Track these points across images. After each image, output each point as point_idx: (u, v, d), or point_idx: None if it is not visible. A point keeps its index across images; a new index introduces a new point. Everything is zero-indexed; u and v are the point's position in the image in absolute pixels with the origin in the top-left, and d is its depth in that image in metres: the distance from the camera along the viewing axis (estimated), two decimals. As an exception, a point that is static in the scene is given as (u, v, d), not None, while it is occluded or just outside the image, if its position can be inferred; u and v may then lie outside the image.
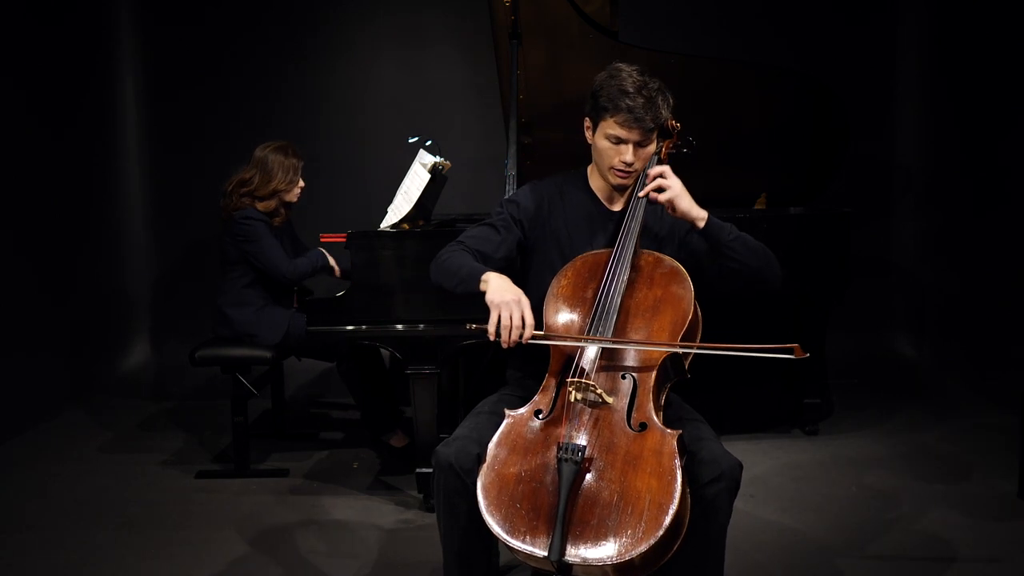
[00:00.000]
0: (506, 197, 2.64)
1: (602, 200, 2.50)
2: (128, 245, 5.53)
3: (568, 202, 2.50)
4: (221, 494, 3.70)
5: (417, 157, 3.70)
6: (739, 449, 3.98)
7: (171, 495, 3.71)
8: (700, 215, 2.33)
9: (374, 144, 5.41)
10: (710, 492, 2.08)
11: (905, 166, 5.42)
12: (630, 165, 2.35)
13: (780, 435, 4.24)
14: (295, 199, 4.07)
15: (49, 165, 4.88)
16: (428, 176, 3.56)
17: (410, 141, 3.94)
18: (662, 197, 2.31)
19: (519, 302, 2.15)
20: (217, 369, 3.92)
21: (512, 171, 3.60)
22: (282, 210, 4.06)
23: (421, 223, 3.71)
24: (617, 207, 2.48)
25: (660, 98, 2.33)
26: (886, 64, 5.39)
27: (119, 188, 5.48)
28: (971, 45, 4.98)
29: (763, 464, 3.87)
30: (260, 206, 3.97)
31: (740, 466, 2.14)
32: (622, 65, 2.37)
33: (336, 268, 4.12)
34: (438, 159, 3.69)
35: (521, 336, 2.14)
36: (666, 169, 2.33)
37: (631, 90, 2.29)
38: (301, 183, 4.06)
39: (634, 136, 2.32)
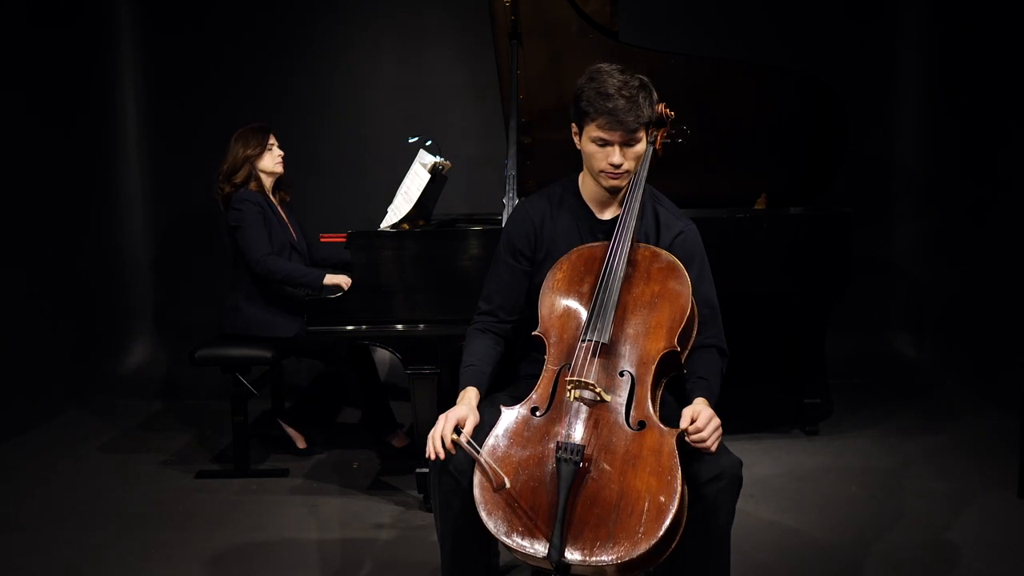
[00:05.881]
0: (503, 225, 2.57)
1: (593, 209, 2.46)
2: (128, 246, 5.52)
3: (559, 215, 2.47)
4: (221, 494, 3.70)
5: (417, 157, 3.70)
6: (739, 449, 3.96)
7: (171, 495, 3.71)
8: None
9: (374, 144, 5.41)
10: (710, 491, 2.07)
11: (905, 166, 5.42)
12: (619, 167, 2.31)
13: (780, 435, 4.24)
14: (275, 168, 4.06)
15: (51, 166, 4.89)
16: (428, 176, 3.56)
17: (410, 141, 3.94)
18: (702, 447, 2.10)
19: (445, 416, 2.15)
20: (217, 369, 3.92)
21: (512, 171, 3.60)
22: (263, 177, 4.04)
23: (421, 223, 3.71)
24: (607, 215, 2.45)
25: (642, 96, 2.28)
26: (886, 64, 5.39)
27: (120, 189, 5.48)
28: (971, 45, 4.98)
29: (763, 464, 3.87)
30: (238, 179, 3.98)
31: (740, 464, 2.13)
32: (603, 66, 2.32)
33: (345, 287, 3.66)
34: (438, 159, 3.69)
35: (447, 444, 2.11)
36: (700, 417, 2.10)
37: (611, 92, 2.26)
38: (279, 151, 4.07)
39: (617, 137, 2.28)
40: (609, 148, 2.30)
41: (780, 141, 4.29)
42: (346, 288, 3.50)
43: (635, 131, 2.28)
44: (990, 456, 3.89)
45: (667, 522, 1.92)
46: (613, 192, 2.41)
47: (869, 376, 5.15)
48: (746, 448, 4.02)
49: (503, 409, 2.18)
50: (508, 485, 2.04)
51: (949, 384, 4.98)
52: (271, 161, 4.05)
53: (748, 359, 4.81)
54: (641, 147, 2.33)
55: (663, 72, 4.04)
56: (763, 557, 3.03)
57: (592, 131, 2.30)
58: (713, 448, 2.07)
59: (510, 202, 3.47)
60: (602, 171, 2.34)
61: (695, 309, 2.26)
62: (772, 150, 4.30)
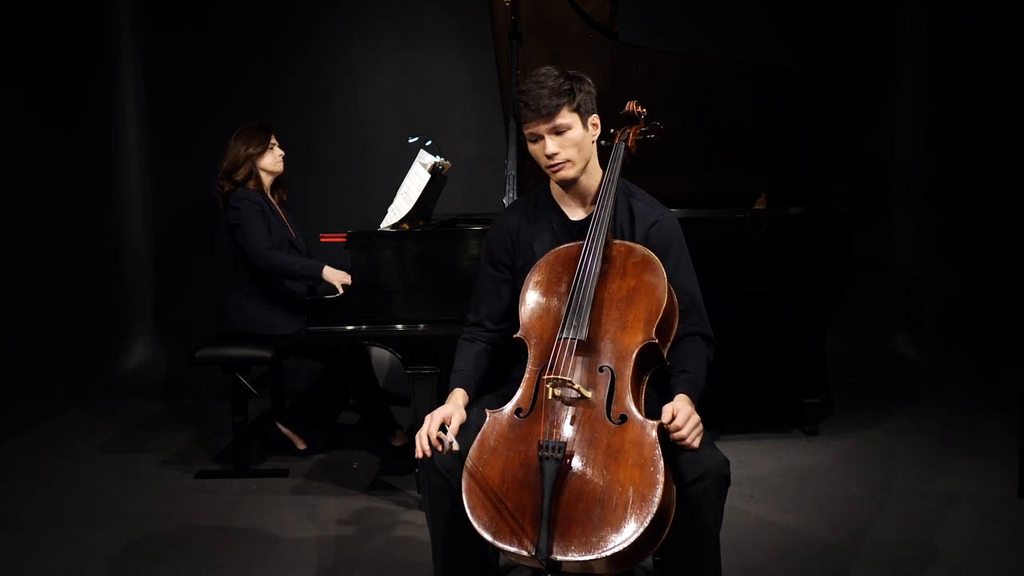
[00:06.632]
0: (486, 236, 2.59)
1: (565, 210, 2.49)
2: (129, 246, 5.53)
3: (534, 221, 2.50)
4: (221, 494, 3.70)
5: (417, 157, 3.70)
6: (739, 449, 4.00)
7: (171, 495, 3.71)
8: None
9: (374, 144, 5.41)
10: (695, 491, 2.06)
11: (905, 166, 5.42)
12: (554, 155, 2.34)
13: (780, 435, 4.24)
14: (276, 167, 4.08)
15: (51, 166, 4.89)
16: (428, 176, 3.56)
17: (410, 141, 3.94)
18: (683, 444, 2.09)
19: (431, 417, 2.16)
20: (217, 369, 3.92)
21: (512, 171, 3.60)
22: (263, 176, 4.06)
23: (421, 223, 3.71)
24: (580, 216, 2.47)
25: (559, 83, 2.30)
26: (886, 64, 5.39)
27: (120, 189, 5.48)
28: (971, 45, 4.98)
29: (763, 464, 3.87)
30: (238, 176, 3.99)
31: (726, 463, 2.11)
32: (533, 71, 2.38)
33: (341, 290, 3.62)
34: (438, 159, 3.69)
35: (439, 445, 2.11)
36: (679, 415, 2.09)
37: (530, 87, 2.31)
38: (279, 151, 4.09)
39: (540, 127, 2.32)
40: (542, 141, 2.34)
41: (780, 141, 4.29)
42: (342, 290, 3.50)
43: (552, 115, 2.30)
44: (990, 456, 3.89)
45: (652, 513, 1.92)
46: (565, 185, 2.43)
47: (869, 376, 5.15)
48: (746, 448, 4.02)
49: (488, 412, 2.19)
50: (457, 447, 2.07)
51: (949, 384, 4.97)
52: (272, 160, 4.06)
53: (748, 359, 4.84)
54: (575, 133, 2.34)
55: (663, 72, 4.06)
56: (763, 557, 3.02)
57: (525, 131, 2.36)
58: (695, 444, 2.08)
59: (510, 202, 3.48)
60: (547, 166, 2.38)
61: (674, 301, 2.27)
62: (772, 150, 4.30)
